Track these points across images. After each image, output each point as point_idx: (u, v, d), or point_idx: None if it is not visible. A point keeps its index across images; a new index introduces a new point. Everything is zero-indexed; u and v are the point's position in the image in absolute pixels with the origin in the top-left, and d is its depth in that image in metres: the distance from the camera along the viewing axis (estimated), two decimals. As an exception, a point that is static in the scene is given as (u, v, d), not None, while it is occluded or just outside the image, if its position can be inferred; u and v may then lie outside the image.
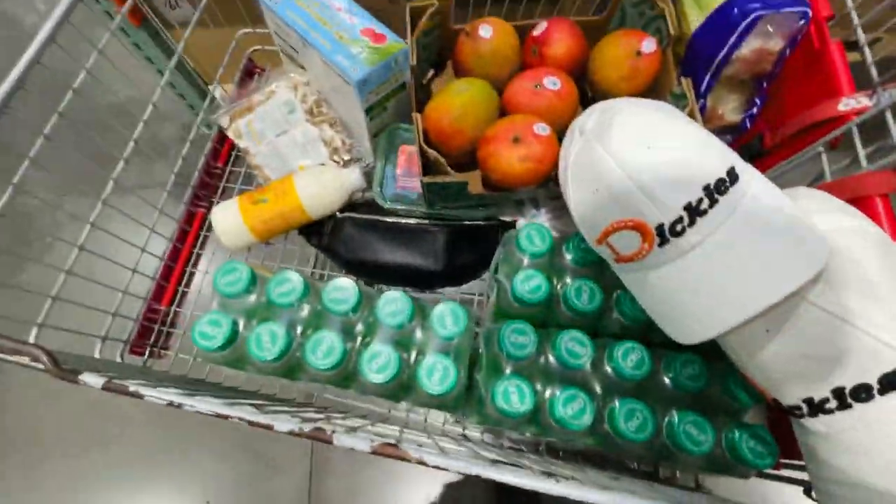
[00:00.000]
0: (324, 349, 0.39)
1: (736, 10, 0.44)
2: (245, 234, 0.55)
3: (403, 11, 0.50)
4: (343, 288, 0.42)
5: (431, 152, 0.46)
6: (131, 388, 0.30)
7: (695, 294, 0.33)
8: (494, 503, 0.90)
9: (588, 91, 0.53)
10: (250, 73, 0.75)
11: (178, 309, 0.61)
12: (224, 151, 0.70)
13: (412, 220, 0.57)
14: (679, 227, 0.32)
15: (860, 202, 0.39)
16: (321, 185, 0.56)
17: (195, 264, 0.64)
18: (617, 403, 0.40)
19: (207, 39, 0.67)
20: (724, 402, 0.42)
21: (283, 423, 0.29)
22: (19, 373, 0.32)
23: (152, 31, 0.81)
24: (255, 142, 0.60)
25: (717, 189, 0.32)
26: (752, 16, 0.43)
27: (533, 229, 0.46)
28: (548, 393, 0.42)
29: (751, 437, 0.39)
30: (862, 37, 0.46)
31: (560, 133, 0.44)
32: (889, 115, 0.41)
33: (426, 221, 0.57)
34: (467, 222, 0.57)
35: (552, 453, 0.51)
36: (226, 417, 0.29)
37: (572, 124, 0.40)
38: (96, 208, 0.50)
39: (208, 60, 0.87)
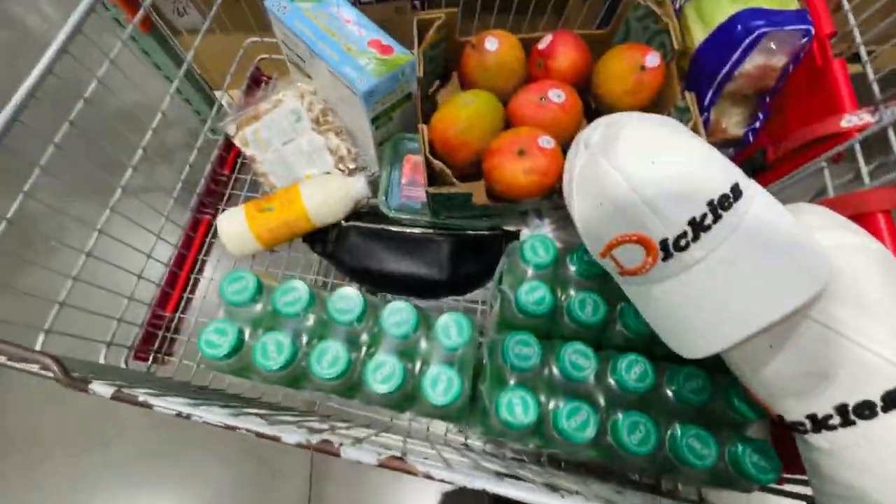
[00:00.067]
0: (329, 359, 0.39)
1: (740, 27, 0.44)
2: (251, 241, 0.56)
3: (409, 21, 0.51)
4: (348, 297, 0.42)
5: (437, 163, 0.47)
6: (140, 399, 0.30)
7: (698, 309, 0.33)
8: (494, 507, 0.90)
9: (592, 104, 0.54)
10: (257, 82, 0.75)
11: (182, 315, 0.62)
12: (230, 159, 0.70)
13: (417, 230, 0.57)
14: (683, 242, 0.32)
15: (862, 218, 0.39)
16: (326, 193, 0.56)
17: (200, 271, 0.65)
18: (620, 416, 0.40)
19: (214, 45, 0.67)
20: (727, 415, 0.42)
21: (291, 434, 0.29)
22: (21, 373, 0.32)
23: (160, 38, 0.81)
24: (261, 150, 0.60)
25: (721, 205, 0.32)
26: (756, 33, 0.43)
27: (537, 241, 0.46)
28: (551, 405, 0.42)
29: (754, 452, 0.39)
30: (864, 54, 0.47)
31: (564, 146, 0.44)
32: (891, 133, 0.42)
33: (430, 231, 0.57)
34: (471, 232, 0.57)
35: (554, 464, 0.51)
36: (234, 429, 0.29)
37: (577, 137, 0.41)
38: (103, 215, 0.50)
39: (215, 66, 0.88)
